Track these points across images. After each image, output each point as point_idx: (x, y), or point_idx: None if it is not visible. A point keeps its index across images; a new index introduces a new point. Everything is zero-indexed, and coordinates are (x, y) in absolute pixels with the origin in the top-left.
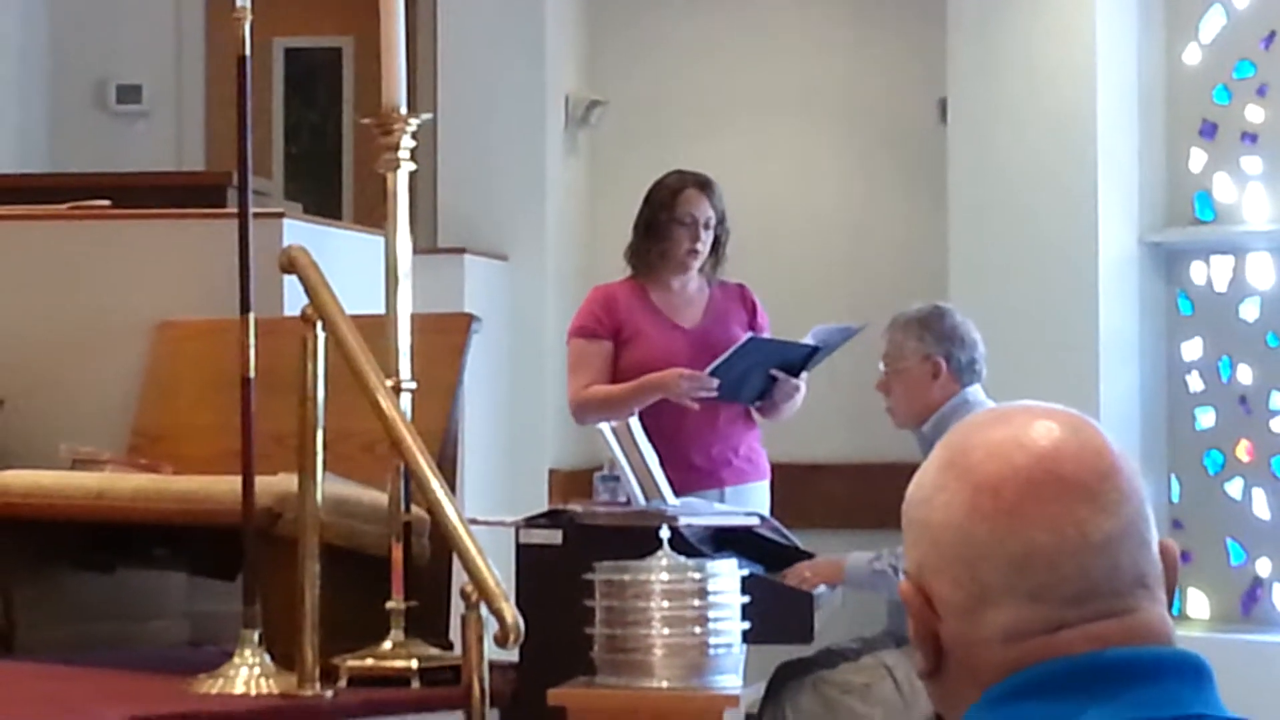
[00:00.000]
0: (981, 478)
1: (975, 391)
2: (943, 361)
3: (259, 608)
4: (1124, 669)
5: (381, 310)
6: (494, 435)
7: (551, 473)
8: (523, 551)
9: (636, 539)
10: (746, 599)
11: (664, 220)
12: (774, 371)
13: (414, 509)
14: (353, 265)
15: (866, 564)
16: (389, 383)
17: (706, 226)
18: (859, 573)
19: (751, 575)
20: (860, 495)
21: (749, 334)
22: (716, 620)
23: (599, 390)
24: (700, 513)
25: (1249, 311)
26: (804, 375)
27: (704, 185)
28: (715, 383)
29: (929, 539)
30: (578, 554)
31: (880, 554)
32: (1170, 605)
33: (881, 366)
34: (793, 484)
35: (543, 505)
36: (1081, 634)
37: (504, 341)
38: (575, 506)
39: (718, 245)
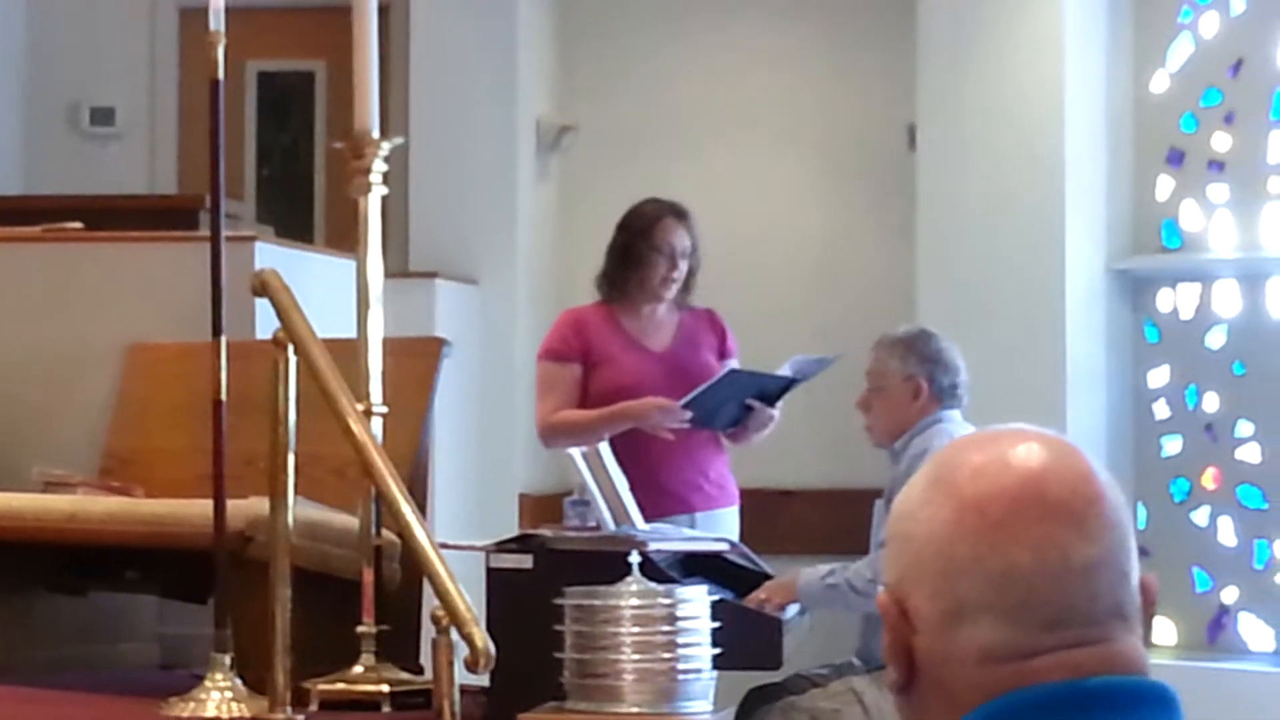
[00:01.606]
0: (968, 494)
1: (952, 415)
2: (925, 383)
3: (230, 631)
4: (1101, 698)
5: (353, 334)
6: (464, 459)
7: (521, 497)
8: (493, 576)
9: (606, 564)
10: (716, 625)
11: (642, 248)
12: (750, 401)
13: (385, 533)
14: (324, 289)
15: (819, 580)
16: (360, 407)
17: (683, 255)
18: (811, 588)
19: (721, 601)
20: (831, 521)
21: (730, 367)
22: (686, 646)
23: (568, 415)
24: (670, 538)
25: (1215, 339)
26: (779, 404)
27: (680, 215)
28: (689, 415)
29: (911, 552)
30: (548, 579)
31: (834, 569)
32: (1147, 639)
33: (865, 384)
34: (764, 510)
35: (513, 530)
36: (1057, 661)
37: (474, 366)
38: (545, 531)
39: (690, 274)
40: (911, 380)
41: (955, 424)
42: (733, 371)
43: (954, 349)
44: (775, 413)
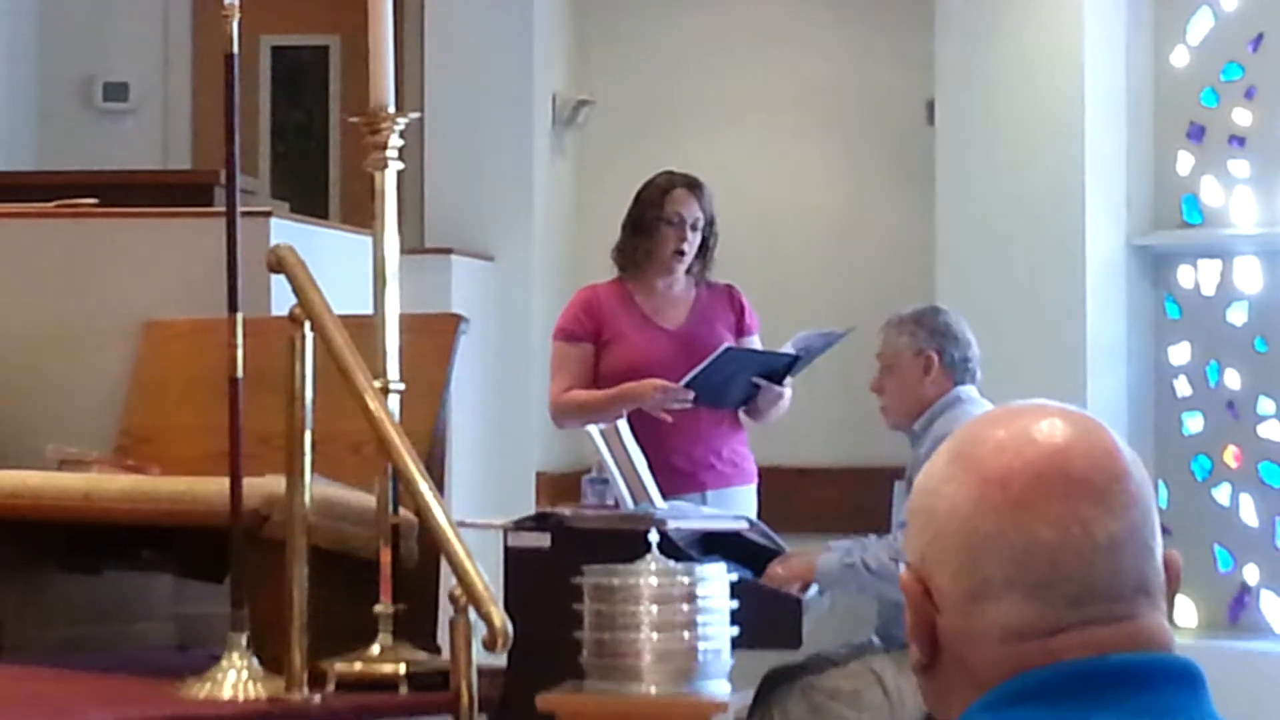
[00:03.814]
0: (990, 470)
1: (969, 390)
2: (935, 356)
3: (246, 610)
4: (1126, 676)
5: (368, 310)
6: (481, 437)
7: (539, 475)
8: (511, 555)
9: (625, 542)
10: (735, 604)
11: (651, 218)
12: (756, 379)
13: (402, 511)
14: (340, 264)
15: (838, 560)
16: (377, 384)
17: (694, 227)
18: (830, 568)
19: (740, 580)
20: (848, 499)
21: (725, 345)
22: (705, 625)
23: (577, 395)
24: (689, 516)
25: (1237, 315)
26: (788, 381)
27: (693, 186)
28: (690, 395)
29: (933, 529)
30: (566, 557)
31: (851, 549)
32: (1170, 615)
33: (877, 365)
34: (780, 488)
35: (529, 508)
36: (1080, 638)
37: (490, 342)
38: (563, 510)
39: (705, 248)
40: (922, 355)
41: (975, 403)
42: (728, 349)
43: (964, 323)
44: (784, 390)
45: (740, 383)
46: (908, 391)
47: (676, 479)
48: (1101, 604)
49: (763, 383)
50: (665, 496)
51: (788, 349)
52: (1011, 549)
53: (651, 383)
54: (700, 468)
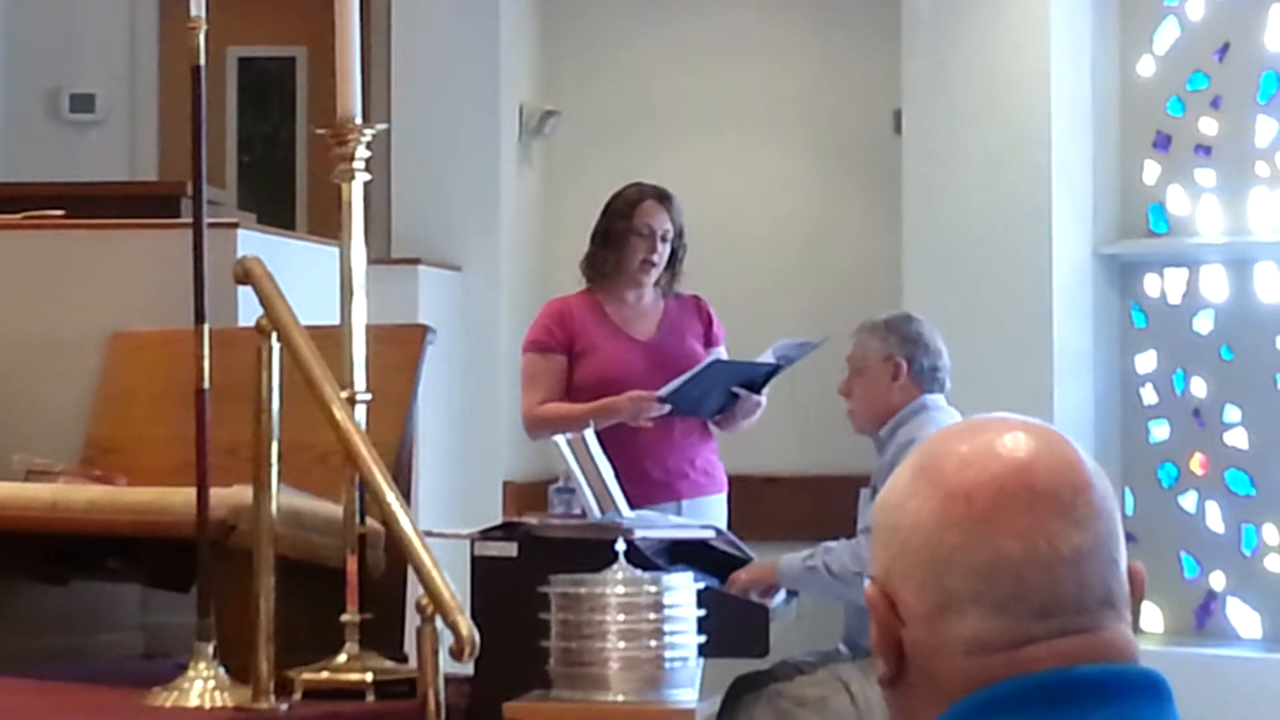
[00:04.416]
0: (954, 484)
1: (936, 399)
2: (904, 363)
3: (213, 620)
4: (1092, 687)
5: (336, 321)
6: (448, 447)
7: (506, 485)
8: (478, 564)
9: (592, 552)
10: (702, 612)
11: (621, 230)
12: (735, 389)
13: (369, 521)
14: (307, 275)
15: (799, 563)
16: (344, 394)
17: (664, 239)
18: (792, 571)
19: (707, 588)
20: (816, 508)
21: (713, 357)
22: (672, 634)
23: (553, 408)
24: (656, 525)
25: (1203, 324)
26: (764, 391)
27: (663, 198)
28: (667, 408)
29: (898, 543)
30: (533, 567)
31: (813, 552)
32: (1135, 625)
33: (845, 370)
34: (749, 497)
35: (497, 518)
36: (1047, 650)
37: (458, 353)
38: (530, 519)
39: (674, 259)
40: (890, 360)
41: (941, 411)
42: (716, 361)
43: (935, 332)
44: (761, 399)
45: (718, 393)
46: (875, 396)
47: (652, 488)
48: (1067, 616)
49: (742, 392)
50: (641, 506)
51: (767, 358)
52: (976, 563)
53: (629, 396)
54: (675, 477)
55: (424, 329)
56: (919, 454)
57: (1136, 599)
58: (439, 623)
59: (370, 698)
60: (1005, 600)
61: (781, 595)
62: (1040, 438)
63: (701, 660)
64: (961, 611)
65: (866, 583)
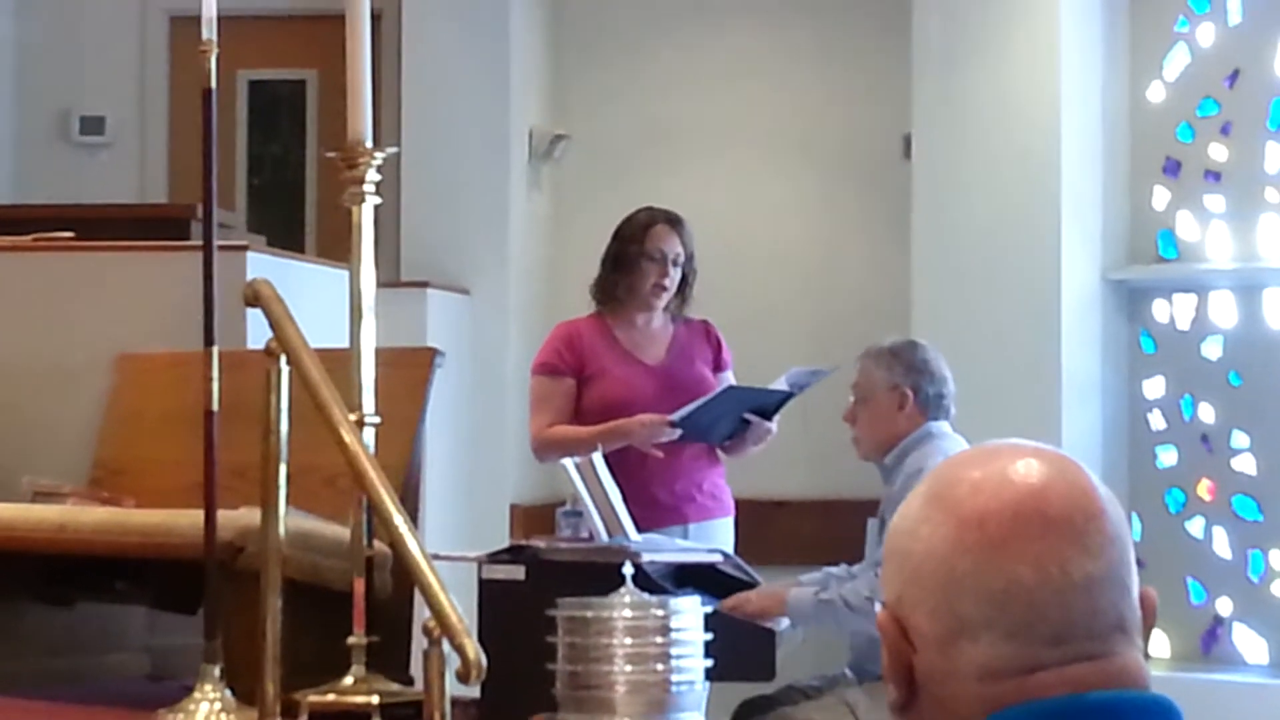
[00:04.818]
0: (967, 511)
1: (941, 426)
2: (910, 393)
3: (220, 642)
4: (1104, 714)
5: (344, 344)
6: (455, 470)
7: (513, 508)
8: (485, 587)
9: (599, 575)
10: (709, 636)
11: (633, 254)
12: (748, 415)
13: (376, 544)
14: (316, 298)
15: (811, 596)
16: (352, 417)
17: (675, 263)
18: (803, 605)
19: (714, 612)
20: (823, 532)
21: (726, 384)
22: (679, 657)
23: (562, 431)
24: (663, 549)
25: (1211, 350)
26: (775, 418)
27: (674, 222)
28: (678, 433)
29: (910, 569)
30: (540, 590)
31: (825, 584)
32: (1145, 653)
33: (851, 397)
34: (756, 521)
35: (504, 540)
36: (1058, 676)
37: (466, 376)
38: (538, 542)
39: (684, 284)
40: (896, 390)
41: (948, 439)
42: (730, 388)
43: (941, 359)
44: (773, 426)
45: (730, 419)
46: (880, 425)
47: (659, 512)
48: (1079, 643)
49: (754, 419)
50: (648, 529)
51: (780, 385)
52: (989, 589)
53: (640, 419)
54: (682, 501)
55: (433, 352)
56: (931, 480)
57: (1148, 625)
58: (446, 645)
59: None
60: (1017, 627)
61: (787, 619)
62: (1053, 464)
63: (708, 684)
64: (974, 638)
65: (878, 608)
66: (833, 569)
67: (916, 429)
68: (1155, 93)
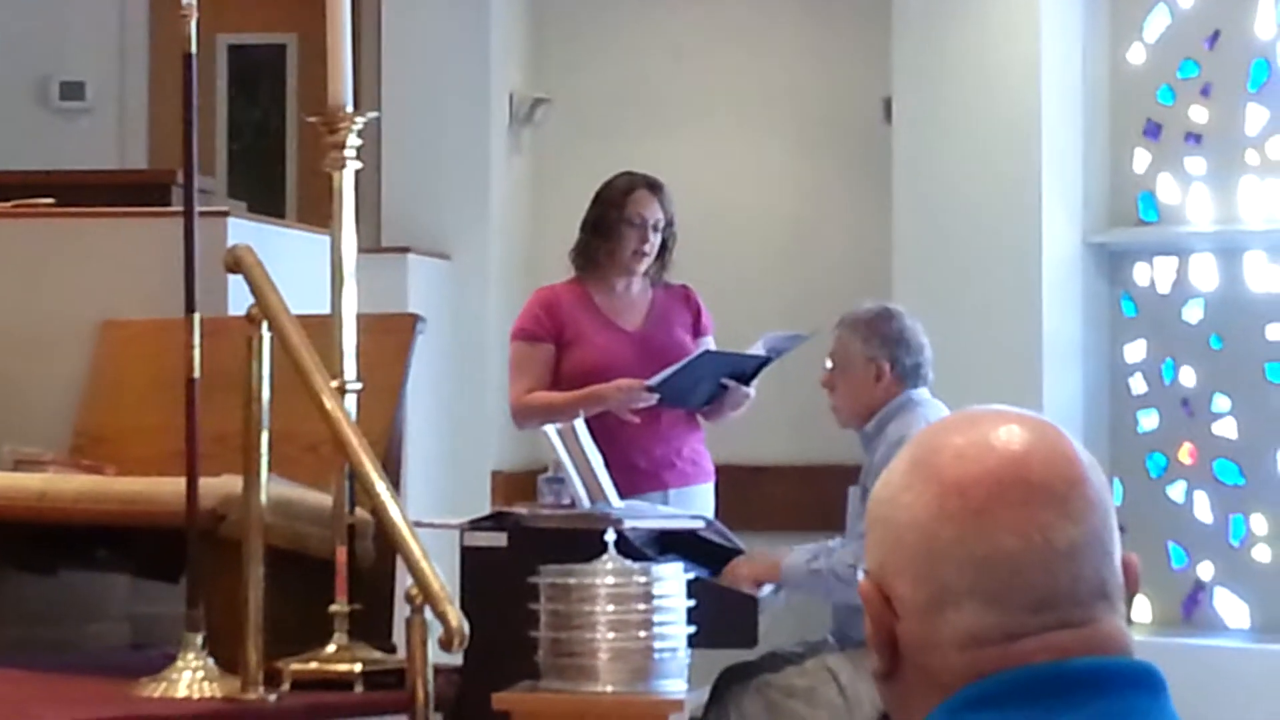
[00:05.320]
0: (949, 478)
1: (921, 393)
2: (886, 366)
3: (202, 610)
4: (1087, 680)
5: (326, 310)
6: (436, 436)
7: (495, 474)
8: (467, 554)
9: (581, 542)
10: (692, 603)
11: (613, 219)
12: (725, 380)
13: (358, 511)
14: (297, 264)
15: (804, 564)
16: (334, 384)
17: (655, 229)
18: (796, 572)
19: (696, 579)
20: (804, 497)
21: (703, 348)
22: (662, 624)
23: (540, 397)
24: (645, 516)
25: (1192, 313)
26: (754, 383)
27: (654, 187)
28: (655, 398)
29: (893, 537)
30: (522, 557)
31: (818, 554)
32: (1127, 619)
33: (828, 364)
34: (737, 486)
35: (486, 507)
36: (1041, 643)
37: (446, 342)
38: (520, 509)
39: (664, 249)
40: (873, 363)
41: (928, 406)
42: (707, 352)
43: (918, 327)
44: (751, 391)
45: (708, 384)
46: (857, 395)
47: (639, 478)
48: (1062, 610)
49: (731, 383)
50: (628, 496)
51: (757, 349)
52: (972, 556)
53: (617, 384)
54: (662, 467)
55: (414, 318)
56: (913, 447)
57: (1131, 591)
58: (428, 613)
59: (359, 688)
60: (1000, 594)
61: (770, 585)
62: (1035, 430)
63: (690, 650)
64: (957, 605)
65: (860, 576)
66: (830, 541)
67: (894, 399)
68: (1135, 54)
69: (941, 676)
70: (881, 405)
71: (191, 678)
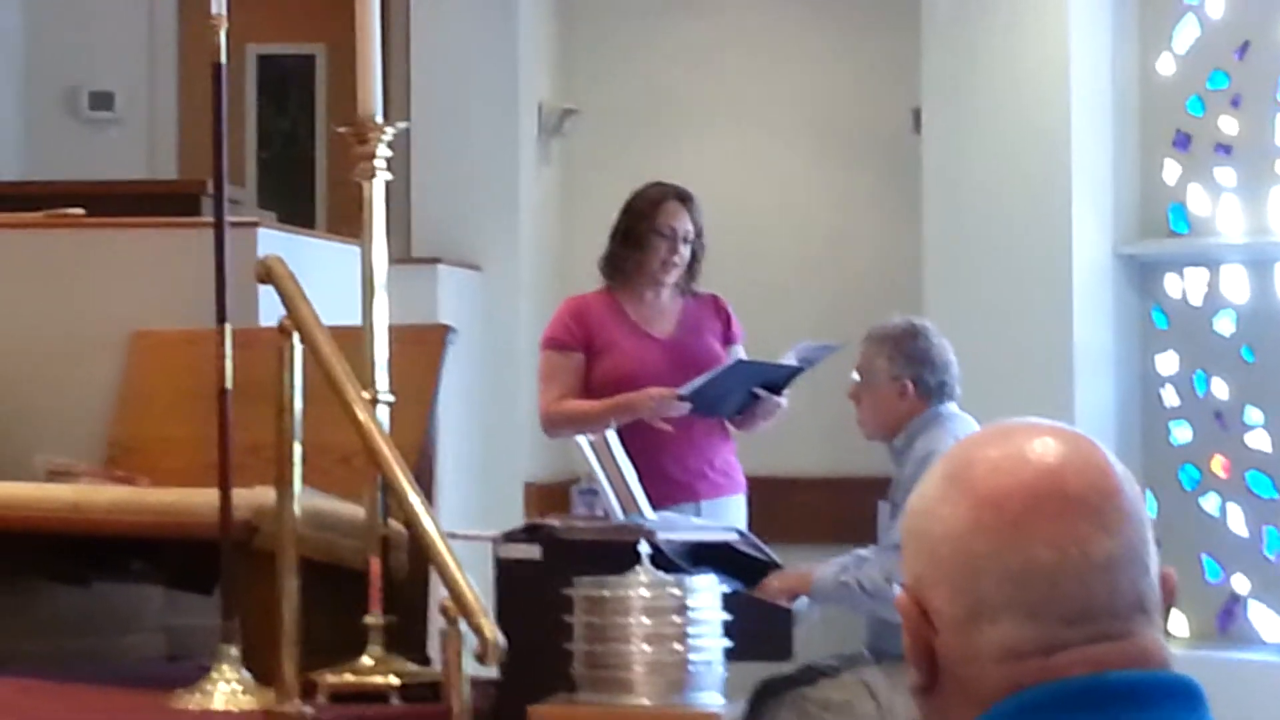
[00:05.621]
0: (985, 491)
1: (949, 407)
2: (910, 385)
3: (237, 622)
4: (1125, 693)
5: (356, 321)
6: (468, 447)
7: (527, 485)
8: (501, 566)
9: (616, 554)
10: (727, 616)
11: (643, 230)
12: (757, 390)
13: (392, 522)
14: (327, 275)
15: (833, 577)
16: (366, 395)
17: (685, 240)
18: (825, 585)
19: (732, 592)
20: (836, 509)
21: (735, 357)
22: (697, 637)
23: (571, 405)
24: (679, 528)
25: (1224, 325)
26: (785, 392)
27: (684, 198)
28: (687, 407)
29: (929, 551)
30: (557, 569)
31: (846, 567)
32: (1165, 631)
33: (854, 376)
34: (769, 498)
35: (518, 519)
36: (1079, 656)
37: (477, 352)
38: (554, 521)
39: (694, 260)
40: (897, 381)
41: (956, 420)
42: (740, 362)
43: (943, 343)
44: (783, 401)
45: (739, 393)
46: (881, 410)
47: (671, 489)
48: (1100, 622)
49: (763, 393)
50: (660, 506)
51: (789, 359)
52: (1008, 569)
53: (649, 392)
54: (695, 477)
55: (445, 329)
56: (948, 460)
57: (1168, 604)
58: (463, 625)
59: (395, 701)
60: (1037, 607)
61: (805, 598)
62: (1069, 443)
63: (726, 664)
64: (994, 618)
65: (897, 590)
66: (862, 550)
67: (920, 414)
68: (1165, 65)
69: (979, 690)
70: (906, 420)
71: (227, 690)
